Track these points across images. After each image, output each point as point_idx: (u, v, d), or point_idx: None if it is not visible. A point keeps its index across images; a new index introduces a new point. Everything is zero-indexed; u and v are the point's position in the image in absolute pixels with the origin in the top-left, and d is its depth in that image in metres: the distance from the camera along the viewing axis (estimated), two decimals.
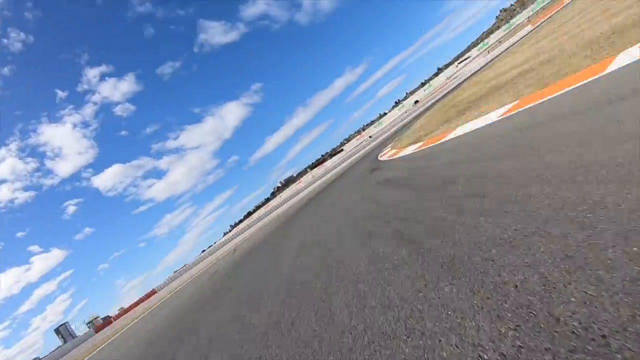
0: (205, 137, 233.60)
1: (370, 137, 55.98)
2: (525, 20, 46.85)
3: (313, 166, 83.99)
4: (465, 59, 74.38)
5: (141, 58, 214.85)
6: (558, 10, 26.21)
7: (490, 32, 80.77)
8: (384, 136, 35.06)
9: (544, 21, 28.76)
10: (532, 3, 52.28)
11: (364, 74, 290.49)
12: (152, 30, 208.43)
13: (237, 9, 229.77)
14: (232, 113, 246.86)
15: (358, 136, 76.75)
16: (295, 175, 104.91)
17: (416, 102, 69.81)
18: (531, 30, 30.82)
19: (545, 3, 47.16)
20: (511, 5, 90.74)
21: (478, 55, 58.91)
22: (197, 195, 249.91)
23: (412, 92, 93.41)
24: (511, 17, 68.39)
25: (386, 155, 11.57)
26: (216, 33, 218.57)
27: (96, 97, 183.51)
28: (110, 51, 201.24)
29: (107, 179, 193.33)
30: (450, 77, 64.33)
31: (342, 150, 73.86)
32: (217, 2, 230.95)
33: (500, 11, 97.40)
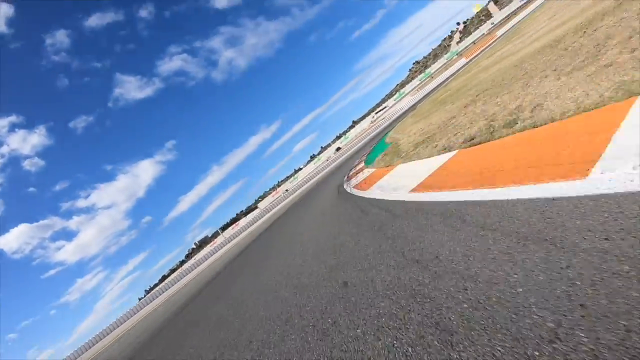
0: (117, 196, 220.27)
1: (286, 191, 48.74)
2: (456, 57, 45.24)
3: (225, 227, 73.30)
4: (382, 108, 74.59)
5: (54, 110, 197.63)
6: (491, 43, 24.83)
7: (404, 84, 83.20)
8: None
9: (478, 53, 25.95)
10: (446, 53, 52.69)
11: (278, 131, 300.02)
12: (66, 81, 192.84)
13: (153, 64, 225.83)
14: (145, 171, 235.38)
15: (273, 192, 71.93)
16: (209, 235, 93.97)
17: (338, 149, 65.72)
18: (467, 62, 27.95)
19: (457, 53, 46.17)
20: (424, 57, 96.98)
21: (397, 102, 56.98)
22: (110, 258, 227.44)
23: (326, 147, 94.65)
24: (425, 68, 70.40)
25: None
26: (132, 88, 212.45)
27: (4, 149, 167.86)
28: (22, 101, 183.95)
29: (13, 240, 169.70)
30: (375, 120, 61.74)
31: (256, 207, 64.53)
32: (134, 56, 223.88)
33: (414, 64, 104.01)
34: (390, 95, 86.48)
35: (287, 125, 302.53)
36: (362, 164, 11.23)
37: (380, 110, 77.25)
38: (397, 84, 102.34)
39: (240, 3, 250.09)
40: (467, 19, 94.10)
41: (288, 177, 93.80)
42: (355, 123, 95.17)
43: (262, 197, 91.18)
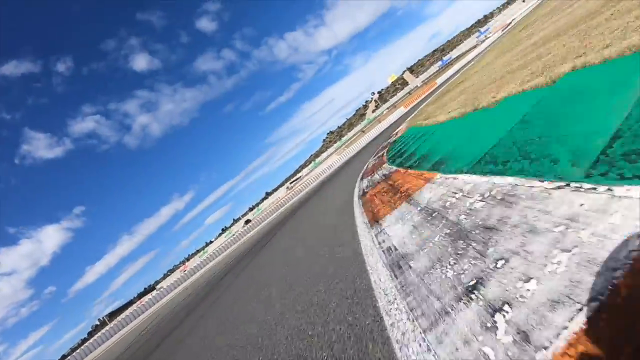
0: (19, 262, 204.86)
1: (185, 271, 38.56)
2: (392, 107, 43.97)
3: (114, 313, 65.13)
4: (297, 179, 72.63)
5: None
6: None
7: (318, 154, 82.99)
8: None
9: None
10: (361, 122, 53.07)
11: (191, 202, 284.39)
12: None
13: (65, 123, 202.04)
14: (51, 237, 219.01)
15: (182, 267, 65.58)
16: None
17: (247, 221, 58.66)
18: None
19: (373, 119, 46.05)
20: (338, 127, 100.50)
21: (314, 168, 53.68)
22: (8, 330, 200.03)
23: (238, 219, 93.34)
24: (340, 137, 71.21)
25: None
26: (41, 145, 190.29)
27: None
28: None
29: None
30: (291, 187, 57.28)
31: (154, 289, 52.83)
32: (46, 111, 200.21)
33: (328, 134, 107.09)
34: (304, 165, 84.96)
35: (200, 196, 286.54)
36: None
37: (294, 180, 74.61)
38: (312, 154, 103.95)
39: (159, 67, 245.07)
40: (382, 89, 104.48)
41: (198, 251, 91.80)
42: (268, 194, 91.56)
43: (172, 270, 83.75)
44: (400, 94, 60.98)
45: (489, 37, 59.16)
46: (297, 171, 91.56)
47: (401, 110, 36.67)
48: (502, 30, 47.01)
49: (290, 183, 75.72)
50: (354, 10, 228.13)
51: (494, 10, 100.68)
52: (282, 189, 75.18)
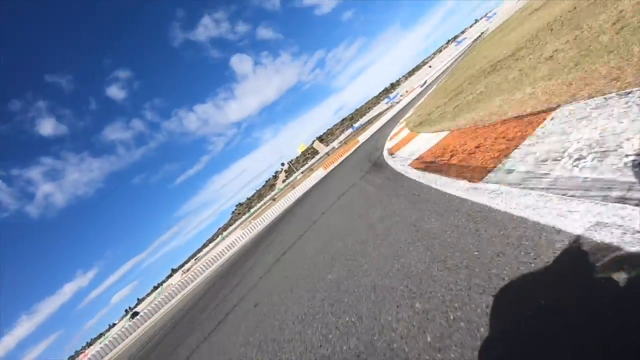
0: None
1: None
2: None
3: None
4: (196, 258, 61.94)
5: None
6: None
7: (226, 226, 73.03)
8: None
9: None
10: (272, 192, 47.09)
11: (95, 279, 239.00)
12: None
13: None
14: None
15: (82, 354, 46.06)
16: None
17: (135, 314, 42.80)
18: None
19: (283, 189, 39.56)
20: (247, 199, 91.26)
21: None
22: None
23: (143, 299, 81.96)
24: (249, 209, 62.81)
25: None
26: None
27: None
28: None
29: None
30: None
31: None
32: None
33: (236, 206, 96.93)
34: (211, 240, 73.33)
35: (105, 272, 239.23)
36: None
37: (196, 259, 62.43)
38: (220, 228, 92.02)
39: (66, 133, 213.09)
40: (292, 159, 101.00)
41: (101, 334, 78.25)
42: (174, 271, 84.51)
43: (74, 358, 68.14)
44: (315, 159, 56.34)
45: (402, 99, 60.92)
46: (204, 246, 78.41)
47: (320, 173, 29.53)
48: (418, 89, 46.99)
49: (195, 260, 62.35)
50: (263, 85, 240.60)
51: (400, 78, 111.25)
52: (190, 264, 61.75)
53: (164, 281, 78.24)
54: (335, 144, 60.72)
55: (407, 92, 74.49)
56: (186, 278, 31.03)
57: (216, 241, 63.13)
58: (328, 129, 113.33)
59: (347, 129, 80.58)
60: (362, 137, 34.27)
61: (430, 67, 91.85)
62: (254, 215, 44.00)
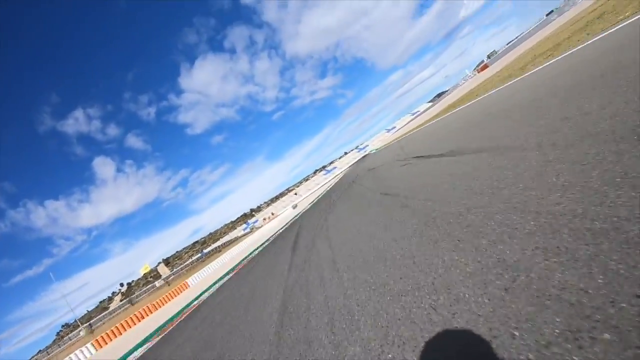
0: None
1: None
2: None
3: None
4: None
5: None
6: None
7: (49, 349, 63.42)
8: None
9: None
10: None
11: None
12: None
13: None
14: None
15: None
16: None
17: None
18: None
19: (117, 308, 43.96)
20: (75, 320, 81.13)
21: None
22: None
23: None
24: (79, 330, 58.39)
25: None
26: None
27: None
28: None
29: None
30: None
31: None
32: None
33: (63, 326, 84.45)
34: None
35: None
36: None
37: None
38: (40, 350, 76.23)
39: None
40: (133, 280, 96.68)
41: None
42: None
43: None
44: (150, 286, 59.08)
45: (259, 227, 67.95)
46: None
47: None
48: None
49: None
50: (121, 194, 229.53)
51: (262, 204, 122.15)
52: None
53: None
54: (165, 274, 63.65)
55: (269, 216, 78.65)
56: None
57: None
58: (177, 252, 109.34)
59: (196, 254, 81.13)
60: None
61: (296, 194, 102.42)
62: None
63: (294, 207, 64.06)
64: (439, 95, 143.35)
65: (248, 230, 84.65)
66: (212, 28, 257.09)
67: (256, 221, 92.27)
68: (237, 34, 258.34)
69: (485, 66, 55.04)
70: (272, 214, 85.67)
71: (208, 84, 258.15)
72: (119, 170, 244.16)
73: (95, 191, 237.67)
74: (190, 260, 72.03)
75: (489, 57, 73.84)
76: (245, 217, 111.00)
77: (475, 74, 64.31)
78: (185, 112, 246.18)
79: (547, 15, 55.72)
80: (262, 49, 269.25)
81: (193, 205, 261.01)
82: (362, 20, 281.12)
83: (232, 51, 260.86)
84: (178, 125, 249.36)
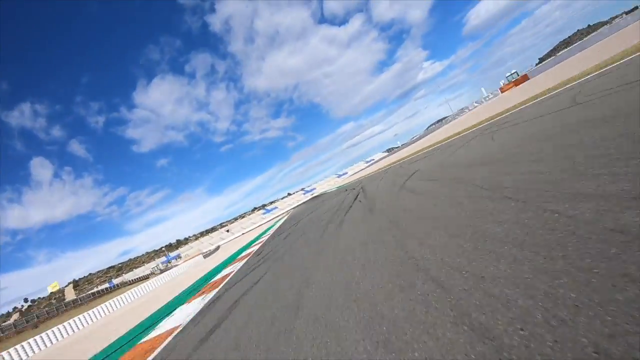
0: None
1: None
2: None
3: None
4: None
5: None
6: None
7: None
8: None
9: None
10: None
11: None
12: None
13: None
14: None
15: None
16: None
17: None
18: None
19: None
20: None
21: None
22: None
23: None
24: None
25: None
26: None
27: None
28: None
29: None
30: None
31: None
32: None
33: None
34: None
35: None
36: None
37: None
38: None
39: None
40: (37, 299, 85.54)
41: None
42: None
43: None
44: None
45: (177, 264, 58.90)
46: None
47: None
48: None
49: None
50: (55, 201, 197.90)
51: (190, 236, 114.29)
52: None
53: None
54: (70, 297, 51.56)
55: (187, 257, 72.08)
56: None
57: None
58: (90, 274, 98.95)
59: (105, 282, 71.68)
60: None
61: (228, 231, 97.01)
62: None
63: (206, 255, 49.30)
64: (389, 150, 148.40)
65: (166, 264, 74.71)
66: (176, 49, 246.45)
67: (178, 255, 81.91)
68: (200, 60, 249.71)
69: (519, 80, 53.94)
70: (186, 256, 77.19)
71: (162, 104, 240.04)
72: (56, 175, 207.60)
73: (28, 193, 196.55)
74: (97, 289, 61.44)
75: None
76: (169, 248, 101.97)
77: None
78: (134, 127, 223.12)
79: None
80: (222, 79, 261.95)
81: (127, 226, 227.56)
82: (324, 67, 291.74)
83: (192, 76, 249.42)
84: (124, 140, 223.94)
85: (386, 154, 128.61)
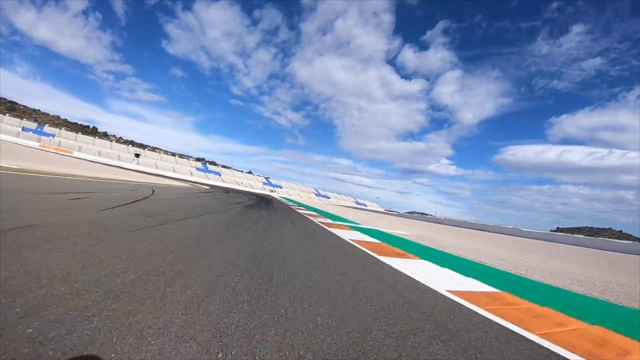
0: None
1: None
2: None
3: None
4: None
5: None
6: None
7: None
8: None
9: None
10: None
11: None
12: None
13: None
14: None
15: None
16: None
17: None
18: None
19: None
20: None
21: None
22: None
23: None
24: None
25: None
26: None
27: None
28: None
29: None
30: None
31: None
32: None
33: None
34: None
35: None
36: None
37: None
38: None
39: None
40: None
41: None
42: None
43: None
44: None
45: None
46: None
47: None
48: None
49: None
50: (68, 30, 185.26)
51: (148, 147, 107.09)
52: None
53: None
54: None
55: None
56: None
57: None
58: (58, 117, 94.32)
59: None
60: None
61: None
62: None
63: None
64: (389, 210, 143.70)
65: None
66: None
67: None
68: (272, 15, 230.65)
69: None
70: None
71: (213, 25, 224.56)
72: (85, 12, 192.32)
73: (52, 6, 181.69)
74: None
75: None
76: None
77: None
78: (176, 27, 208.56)
79: None
80: (276, 45, 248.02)
81: (108, 100, 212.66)
82: (363, 100, 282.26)
83: (255, 23, 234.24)
84: (160, 30, 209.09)
85: (381, 208, 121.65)
